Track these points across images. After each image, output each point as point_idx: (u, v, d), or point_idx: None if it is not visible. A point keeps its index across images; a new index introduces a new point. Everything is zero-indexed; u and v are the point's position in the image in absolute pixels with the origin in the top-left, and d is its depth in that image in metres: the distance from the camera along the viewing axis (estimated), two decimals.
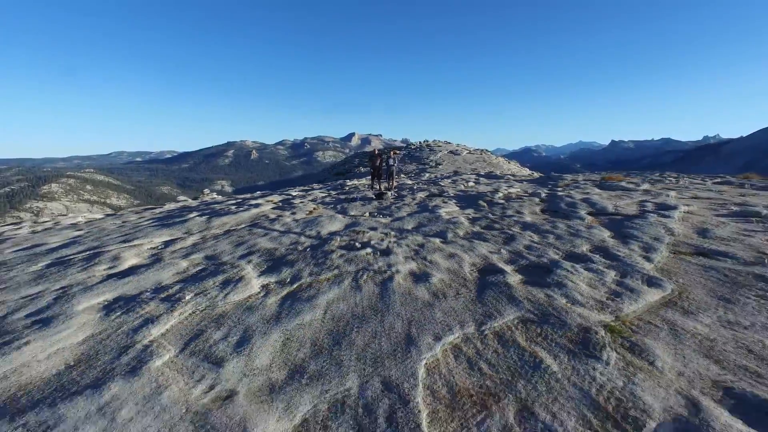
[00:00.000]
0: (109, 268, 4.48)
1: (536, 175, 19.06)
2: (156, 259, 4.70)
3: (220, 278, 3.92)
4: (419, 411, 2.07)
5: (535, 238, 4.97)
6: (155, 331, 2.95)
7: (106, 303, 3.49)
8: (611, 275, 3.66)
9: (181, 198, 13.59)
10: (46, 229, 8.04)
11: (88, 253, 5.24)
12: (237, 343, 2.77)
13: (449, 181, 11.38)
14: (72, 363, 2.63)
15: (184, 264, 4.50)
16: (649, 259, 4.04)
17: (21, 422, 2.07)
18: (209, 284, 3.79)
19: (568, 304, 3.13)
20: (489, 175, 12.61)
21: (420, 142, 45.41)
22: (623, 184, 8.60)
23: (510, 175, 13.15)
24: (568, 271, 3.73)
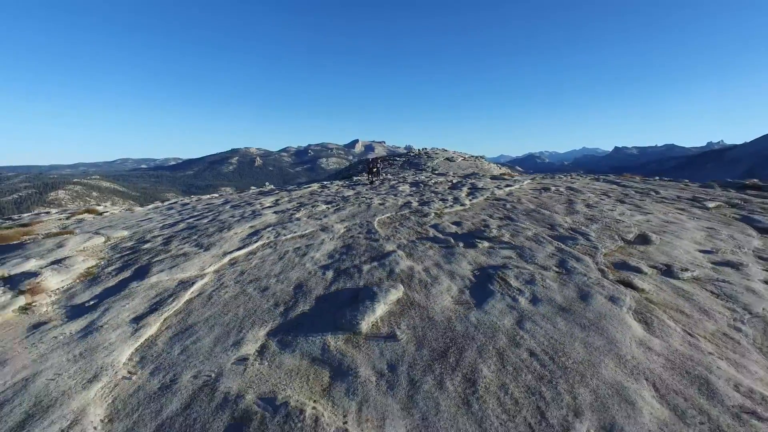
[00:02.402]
0: (261, 205, 10.39)
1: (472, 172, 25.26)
2: (277, 204, 10.48)
3: (309, 205, 9.68)
4: (374, 224, 7.85)
5: (433, 195, 10.74)
6: (297, 216, 8.72)
7: (274, 212, 9.32)
8: (450, 202, 9.49)
9: (254, 188, 19.60)
10: (198, 200, 14.16)
11: (243, 203, 11.13)
12: (323, 216, 8.41)
13: (413, 177, 17.49)
14: (276, 220, 8.37)
15: (291, 204, 10.31)
16: (470, 200, 9.85)
17: (275, 227, 8.01)
18: (306, 206, 9.50)
19: (427, 209, 8.89)
20: (439, 174, 18.57)
21: (419, 150, 46.98)
22: (505, 177, 14.49)
23: (452, 173, 19.18)
24: (435, 203, 9.47)
